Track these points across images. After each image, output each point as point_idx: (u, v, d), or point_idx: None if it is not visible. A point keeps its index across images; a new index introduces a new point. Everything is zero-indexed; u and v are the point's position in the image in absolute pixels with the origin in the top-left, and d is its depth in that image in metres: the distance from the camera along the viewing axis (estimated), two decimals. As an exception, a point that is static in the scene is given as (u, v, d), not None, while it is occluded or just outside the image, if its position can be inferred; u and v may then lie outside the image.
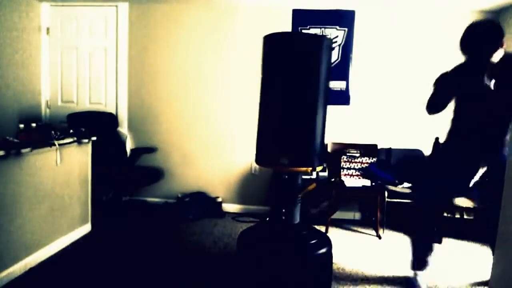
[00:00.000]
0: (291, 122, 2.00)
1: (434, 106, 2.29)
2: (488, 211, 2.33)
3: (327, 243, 2.13)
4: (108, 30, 4.06)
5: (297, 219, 2.16)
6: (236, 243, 2.21)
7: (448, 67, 2.35)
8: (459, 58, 3.77)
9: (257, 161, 2.15)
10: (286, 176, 2.13)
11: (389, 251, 3.10)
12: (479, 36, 2.00)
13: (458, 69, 2.23)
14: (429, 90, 2.31)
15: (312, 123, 2.01)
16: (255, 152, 2.16)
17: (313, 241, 2.07)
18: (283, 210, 2.18)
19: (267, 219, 3.65)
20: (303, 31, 3.85)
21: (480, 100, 2.17)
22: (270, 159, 2.09)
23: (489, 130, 2.19)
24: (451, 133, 2.36)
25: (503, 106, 2.11)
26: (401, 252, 3.03)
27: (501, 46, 2.02)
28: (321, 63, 1.98)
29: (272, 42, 2.03)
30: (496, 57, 2.01)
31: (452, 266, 2.84)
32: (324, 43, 1.99)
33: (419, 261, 2.51)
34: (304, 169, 2.04)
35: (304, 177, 3.61)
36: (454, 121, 2.33)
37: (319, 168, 2.10)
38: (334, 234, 3.45)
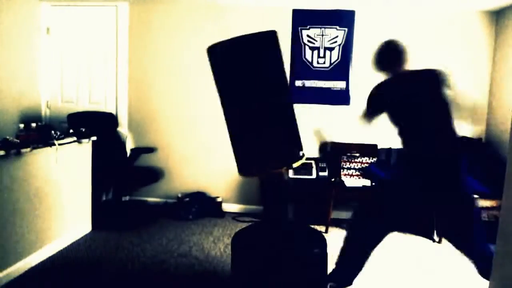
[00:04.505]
0: (252, 128, 1.96)
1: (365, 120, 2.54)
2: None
3: (322, 241, 2.12)
4: (108, 30, 4.06)
5: (289, 218, 2.15)
6: (231, 244, 2.21)
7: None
8: (459, 58, 3.76)
9: (239, 172, 2.07)
10: (268, 179, 2.10)
11: (388, 250, 3.10)
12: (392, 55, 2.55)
13: (383, 85, 2.50)
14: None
15: (275, 124, 1.96)
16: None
17: (306, 240, 2.06)
18: (276, 210, 2.16)
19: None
20: (303, 31, 3.85)
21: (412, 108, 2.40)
22: (246, 168, 2.04)
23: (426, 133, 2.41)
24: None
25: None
26: (401, 252, 3.03)
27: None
28: (268, 64, 1.95)
29: (216, 54, 2.03)
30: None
31: (452, 266, 2.84)
32: (268, 40, 1.95)
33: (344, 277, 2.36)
34: (282, 169, 2.01)
35: (304, 177, 3.64)
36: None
37: (298, 164, 2.00)
38: (334, 234, 3.45)
